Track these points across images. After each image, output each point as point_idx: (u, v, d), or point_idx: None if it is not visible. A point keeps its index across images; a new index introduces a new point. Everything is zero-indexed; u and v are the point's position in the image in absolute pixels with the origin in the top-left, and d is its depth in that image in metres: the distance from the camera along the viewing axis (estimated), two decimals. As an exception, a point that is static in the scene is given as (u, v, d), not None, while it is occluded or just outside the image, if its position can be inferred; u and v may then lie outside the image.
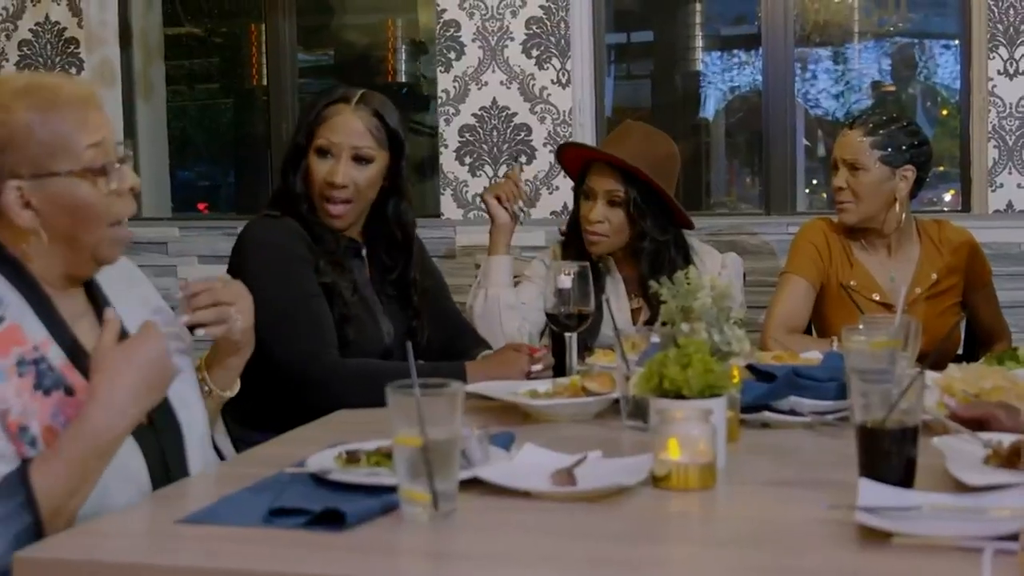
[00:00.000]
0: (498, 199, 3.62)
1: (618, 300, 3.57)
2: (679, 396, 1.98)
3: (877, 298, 3.66)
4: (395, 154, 3.12)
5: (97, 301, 2.21)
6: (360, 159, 3.05)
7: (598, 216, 3.52)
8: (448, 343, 3.26)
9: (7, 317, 1.99)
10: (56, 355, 2.04)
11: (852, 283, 3.67)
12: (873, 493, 1.75)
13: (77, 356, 2.06)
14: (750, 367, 2.63)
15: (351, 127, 3.06)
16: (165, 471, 2.14)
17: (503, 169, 4.86)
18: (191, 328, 2.19)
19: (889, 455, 1.85)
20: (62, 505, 1.87)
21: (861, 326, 2.60)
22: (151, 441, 2.11)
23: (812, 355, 2.93)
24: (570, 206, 4.45)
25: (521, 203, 3.64)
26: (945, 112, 7.15)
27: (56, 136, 2.03)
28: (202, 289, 2.24)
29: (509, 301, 3.50)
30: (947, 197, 6.93)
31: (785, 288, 3.68)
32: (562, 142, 4.09)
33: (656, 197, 3.53)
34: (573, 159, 3.68)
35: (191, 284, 2.25)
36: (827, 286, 3.69)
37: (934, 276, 3.68)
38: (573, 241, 3.66)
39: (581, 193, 3.61)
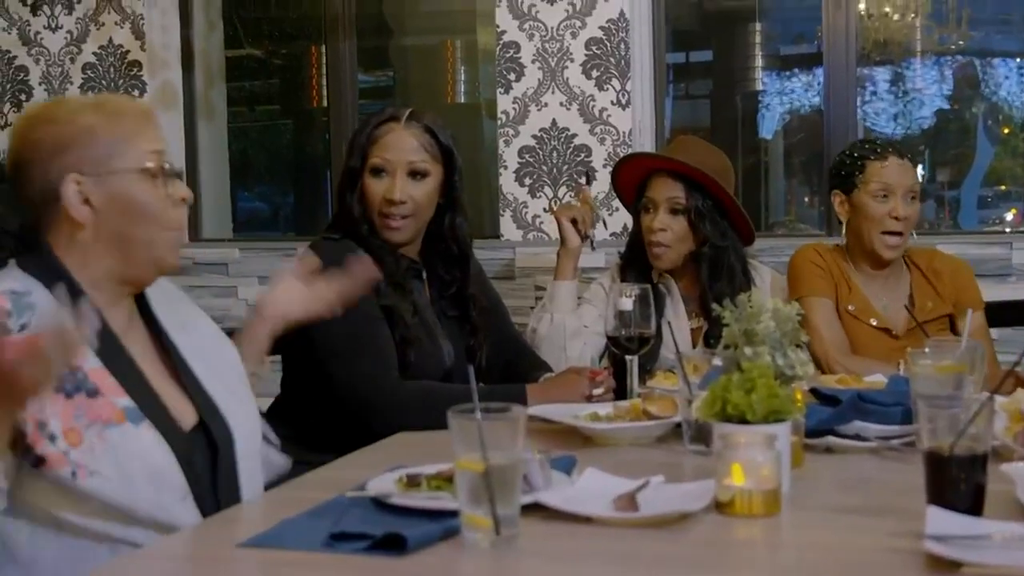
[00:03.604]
0: (573, 222, 3.61)
1: (678, 320, 3.56)
2: (743, 421, 1.96)
3: (875, 323, 3.60)
4: (449, 169, 3.12)
5: (148, 317, 2.25)
6: (416, 174, 3.06)
7: (661, 224, 3.51)
8: (508, 365, 3.25)
9: (31, 324, 2.02)
10: (87, 359, 2.06)
11: (851, 307, 3.62)
12: (942, 521, 1.72)
13: (116, 362, 2.10)
14: (814, 391, 2.60)
15: (404, 144, 3.07)
16: (212, 479, 2.17)
17: (563, 190, 4.85)
18: None
19: (958, 482, 1.82)
20: None
21: (927, 350, 2.57)
22: (194, 443, 2.14)
23: (876, 379, 2.89)
24: (630, 228, 4.45)
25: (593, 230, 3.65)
26: (1007, 131, 7.09)
27: (117, 139, 2.13)
28: None
29: (575, 328, 3.50)
30: (1008, 216, 6.86)
31: (816, 311, 3.54)
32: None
33: (715, 205, 3.53)
34: (630, 177, 3.68)
35: None
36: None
37: (929, 305, 3.63)
38: (633, 262, 3.65)
39: (641, 207, 3.61)
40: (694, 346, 3.56)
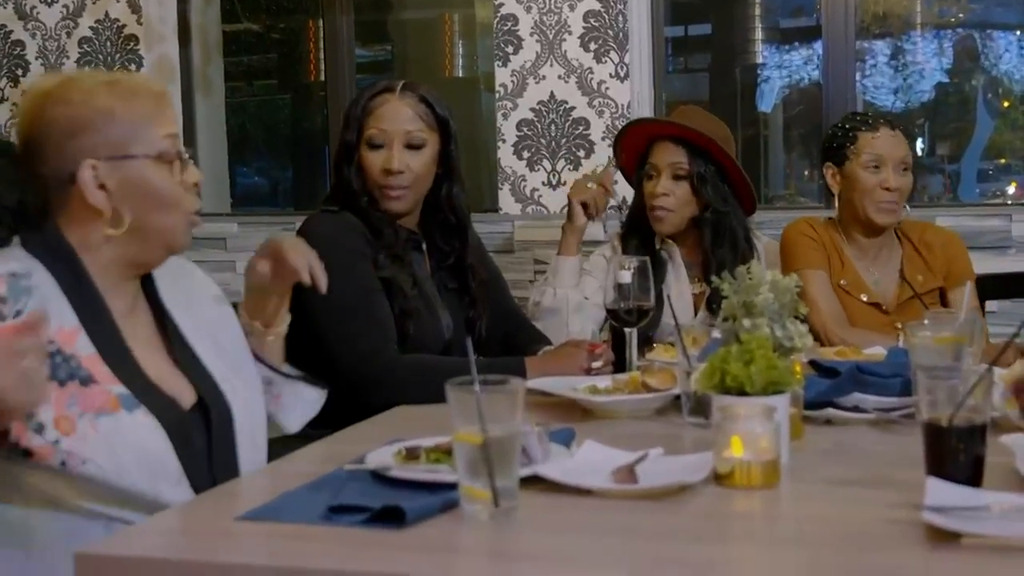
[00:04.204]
0: (584, 206, 3.60)
1: (680, 286, 3.59)
2: (742, 393, 1.96)
3: (865, 299, 3.60)
4: (445, 139, 3.13)
5: (152, 297, 2.25)
6: (412, 145, 3.07)
7: (663, 189, 3.55)
8: (508, 338, 3.25)
9: (27, 309, 2.01)
10: (83, 346, 2.06)
11: (843, 282, 3.61)
12: (941, 492, 1.72)
13: (111, 349, 2.09)
14: (813, 363, 2.60)
15: (400, 114, 3.08)
16: (208, 457, 2.17)
17: (561, 163, 4.83)
18: None
19: (957, 453, 1.82)
20: None
21: (926, 321, 2.56)
22: (192, 425, 2.13)
23: (876, 351, 2.89)
24: (628, 200, 4.43)
25: (608, 210, 3.62)
26: (1007, 104, 7.07)
27: (134, 122, 2.11)
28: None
29: (577, 302, 3.51)
30: (1010, 190, 6.85)
31: (812, 283, 3.53)
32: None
33: (717, 171, 3.55)
34: (632, 147, 3.69)
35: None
36: None
37: (920, 278, 3.62)
38: (635, 231, 3.67)
39: (644, 175, 3.63)
40: (696, 311, 3.58)
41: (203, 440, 2.16)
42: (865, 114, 3.77)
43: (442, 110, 3.12)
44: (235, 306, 2.49)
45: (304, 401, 2.54)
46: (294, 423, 2.55)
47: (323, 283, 2.43)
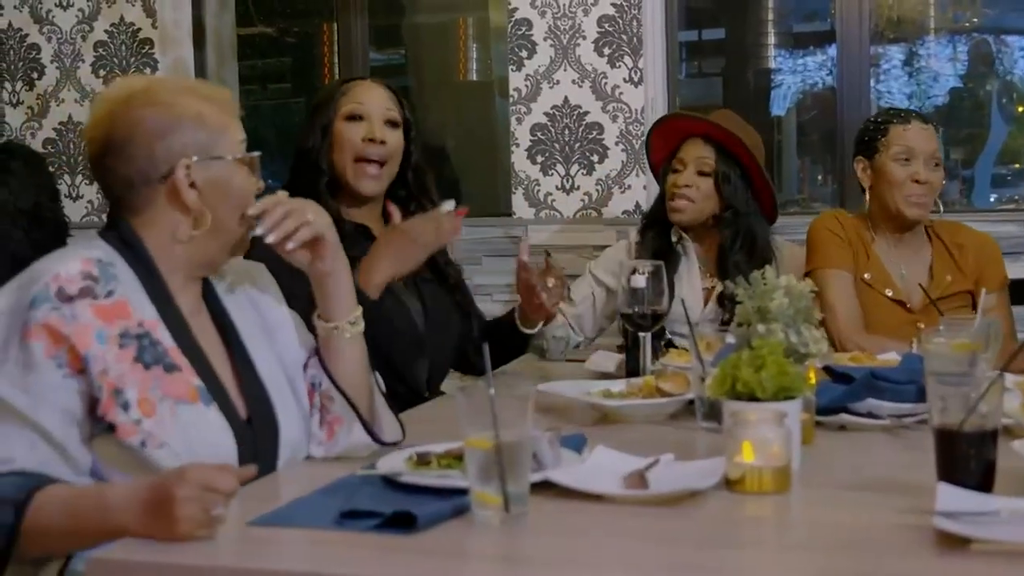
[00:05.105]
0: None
1: (691, 281, 3.63)
2: (753, 398, 1.96)
3: (890, 294, 3.58)
4: (407, 138, 3.15)
5: (212, 304, 2.25)
6: (390, 122, 3.10)
7: (687, 181, 3.58)
8: (488, 336, 3.17)
9: (116, 292, 2.04)
10: (164, 336, 2.08)
11: (867, 276, 3.60)
12: (951, 498, 1.72)
13: (187, 343, 2.11)
14: (827, 369, 2.60)
15: (377, 92, 3.14)
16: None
17: (575, 168, 4.83)
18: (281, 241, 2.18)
19: (968, 459, 1.82)
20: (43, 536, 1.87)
21: (941, 327, 2.56)
22: (246, 434, 2.13)
23: (890, 356, 2.89)
24: (642, 205, 4.45)
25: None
26: (1021, 109, 7.06)
27: (220, 124, 2.17)
28: (269, 205, 2.20)
29: None
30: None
31: (832, 284, 3.53)
32: (648, 129, 4.03)
33: (743, 175, 3.63)
34: (665, 143, 3.76)
35: (256, 205, 2.20)
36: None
37: (948, 278, 3.61)
38: (654, 223, 3.71)
39: (670, 169, 3.70)
40: (705, 304, 3.60)
41: (251, 454, 2.13)
42: (898, 109, 3.77)
43: (407, 111, 3.17)
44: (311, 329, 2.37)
45: (353, 443, 2.27)
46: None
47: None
